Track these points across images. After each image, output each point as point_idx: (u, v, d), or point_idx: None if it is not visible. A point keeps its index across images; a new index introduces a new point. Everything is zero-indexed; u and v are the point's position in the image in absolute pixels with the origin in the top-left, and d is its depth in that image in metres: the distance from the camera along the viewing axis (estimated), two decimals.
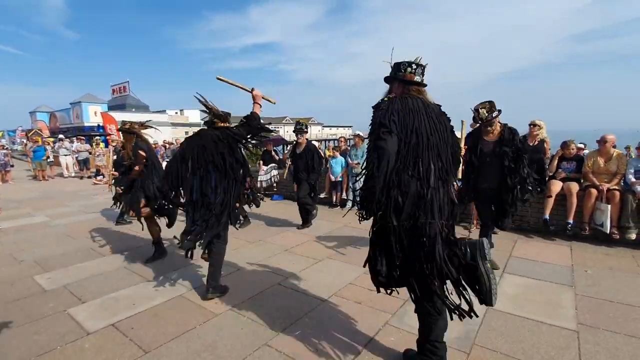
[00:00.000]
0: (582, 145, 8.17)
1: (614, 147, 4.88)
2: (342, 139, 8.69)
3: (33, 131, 27.74)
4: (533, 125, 5.41)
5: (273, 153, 9.13)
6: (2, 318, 2.88)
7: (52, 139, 20.33)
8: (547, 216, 4.90)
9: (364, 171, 1.99)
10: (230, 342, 2.57)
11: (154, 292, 3.42)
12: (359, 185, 7.08)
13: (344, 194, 7.38)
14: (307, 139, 5.94)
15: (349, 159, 7.18)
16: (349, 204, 7.20)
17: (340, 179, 7.31)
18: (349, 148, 7.85)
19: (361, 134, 7.77)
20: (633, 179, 4.63)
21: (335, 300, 3.21)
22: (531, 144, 5.44)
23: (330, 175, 7.38)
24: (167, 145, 14.55)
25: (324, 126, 79.68)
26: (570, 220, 4.75)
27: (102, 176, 11.90)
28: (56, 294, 3.41)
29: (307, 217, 5.76)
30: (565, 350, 2.41)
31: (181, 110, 56.93)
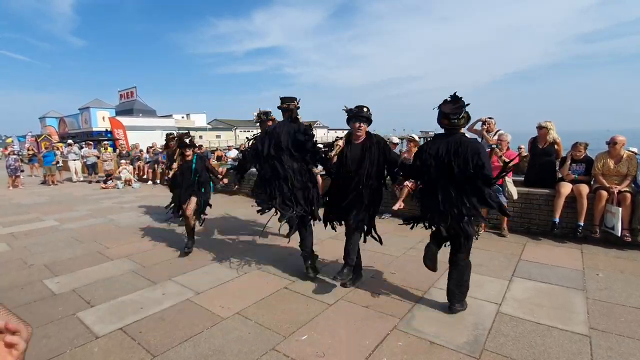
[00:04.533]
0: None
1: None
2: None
3: (42, 136, 28.20)
4: (540, 127, 5.35)
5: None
6: None
7: (61, 144, 20.64)
8: (556, 219, 4.83)
9: None
10: (237, 347, 2.56)
11: (161, 296, 3.43)
12: None
13: None
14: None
15: None
16: None
17: None
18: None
19: None
20: None
21: (342, 304, 3.19)
22: (541, 147, 5.39)
23: None
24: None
25: (329, 129, 79.73)
26: (581, 223, 4.68)
27: (111, 181, 12.03)
28: (65, 298, 3.44)
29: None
30: (577, 355, 2.37)
31: (187, 115, 57.45)
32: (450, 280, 2.99)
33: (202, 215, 4.96)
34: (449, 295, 2.99)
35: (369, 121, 3.32)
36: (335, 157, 3.40)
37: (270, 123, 5.13)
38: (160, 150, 12.91)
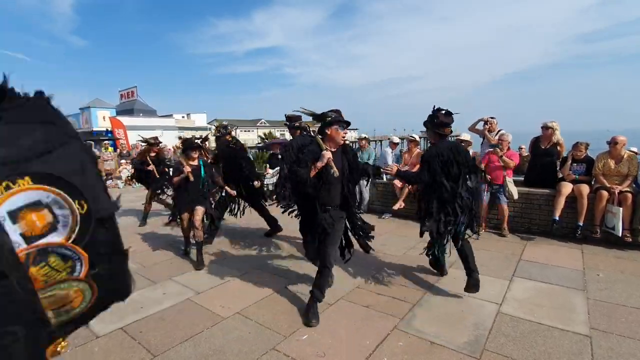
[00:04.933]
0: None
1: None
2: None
3: None
4: (545, 127, 5.34)
5: (280, 157, 9.13)
6: None
7: None
8: (556, 217, 4.81)
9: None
10: (237, 346, 2.56)
11: (162, 296, 3.43)
12: (364, 188, 7.05)
13: None
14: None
15: None
16: None
17: None
18: None
19: (367, 136, 7.76)
20: None
21: (342, 304, 3.19)
22: (543, 147, 5.38)
23: None
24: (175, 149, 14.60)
25: None
26: (581, 223, 4.68)
27: (111, 180, 12.03)
28: None
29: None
30: (578, 355, 2.37)
31: (188, 114, 57.51)
32: (464, 260, 3.24)
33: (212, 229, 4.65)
34: (468, 270, 3.20)
35: (348, 126, 3.02)
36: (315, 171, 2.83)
37: (229, 137, 5.23)
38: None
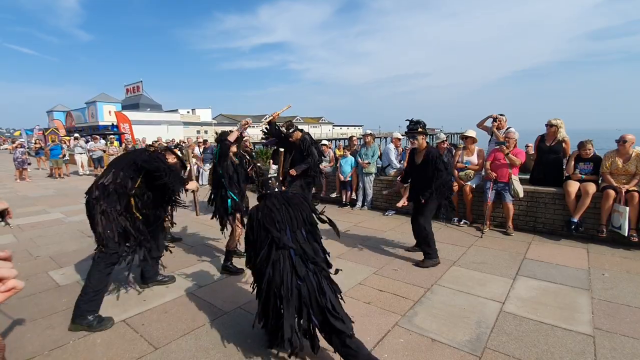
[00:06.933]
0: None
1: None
2: (354, 139, 8.62)
3: (50, 130, 28.44)
4: (550, 125, 5.28)
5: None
6: (17, 312, 2.95)
7: (68, 138, 20.80)
8: (575, 219, 4.75)
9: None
10: (238, 340, 2.57)
11: (164, 289, 3.45)
12: (368, 185, 7.03)
13: (354, 193, 7.34)
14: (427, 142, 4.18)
15: (359, 159, 7.12)
16: (359, 203, 7.17)
17: (349, 179, 7.27)
18: (359, 147, 7.78)
19: (372, 133, 7.72)
20: None
21: (344, 300, 3.18)
22: (548, 145, 5.31)
23: (340, 175, 7.36)
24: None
25: (334, 125, 79.66)
26: (575, 219, 4.67)
27: None
28: (70, 289, 3.47)
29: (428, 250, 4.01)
30: (581, 355, 2.34)
31: (193, 110, 57.67)
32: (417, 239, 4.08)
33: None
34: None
35: None
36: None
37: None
38: (168, 143, 12.83)
